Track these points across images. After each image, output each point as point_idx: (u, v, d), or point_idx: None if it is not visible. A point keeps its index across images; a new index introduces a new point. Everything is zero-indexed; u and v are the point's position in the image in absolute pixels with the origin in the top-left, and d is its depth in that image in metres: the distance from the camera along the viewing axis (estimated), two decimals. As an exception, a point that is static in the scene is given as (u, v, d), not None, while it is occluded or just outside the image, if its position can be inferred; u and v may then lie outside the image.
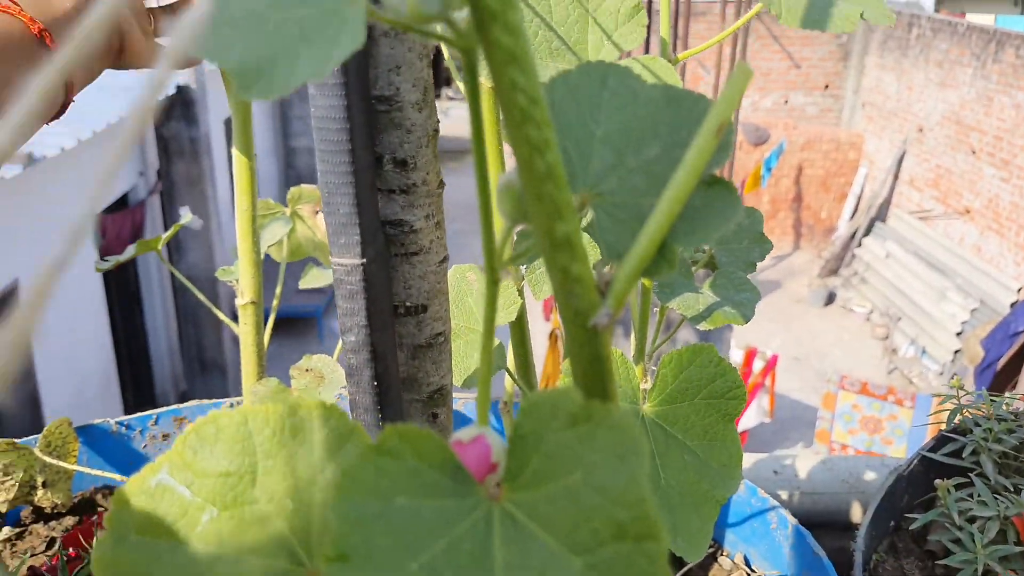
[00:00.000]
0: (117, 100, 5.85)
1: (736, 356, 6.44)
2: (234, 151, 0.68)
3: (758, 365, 6.35)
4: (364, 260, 0.42)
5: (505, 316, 0.56)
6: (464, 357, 0.57)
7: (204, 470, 0.30)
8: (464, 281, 0.58)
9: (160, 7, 0.72)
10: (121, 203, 6.55)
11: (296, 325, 8.55)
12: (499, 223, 0.30)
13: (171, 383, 7.46)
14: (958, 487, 0.80)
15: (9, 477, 0.80)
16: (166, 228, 7.29)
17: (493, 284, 0.29)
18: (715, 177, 0.28)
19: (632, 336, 0.68)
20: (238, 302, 0.71)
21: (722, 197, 0.28)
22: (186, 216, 0.87)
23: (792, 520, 0.82)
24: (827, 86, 10.89)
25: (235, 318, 0.74)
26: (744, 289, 0.68)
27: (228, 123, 8.36)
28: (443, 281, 0.47)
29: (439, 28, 0.25)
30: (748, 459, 1.05)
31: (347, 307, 0.43)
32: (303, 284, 0.89)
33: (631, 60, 0.46)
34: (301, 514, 0.29)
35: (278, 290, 0.84)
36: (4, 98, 0.57)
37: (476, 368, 0.58)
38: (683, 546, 0.56)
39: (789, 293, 9.55)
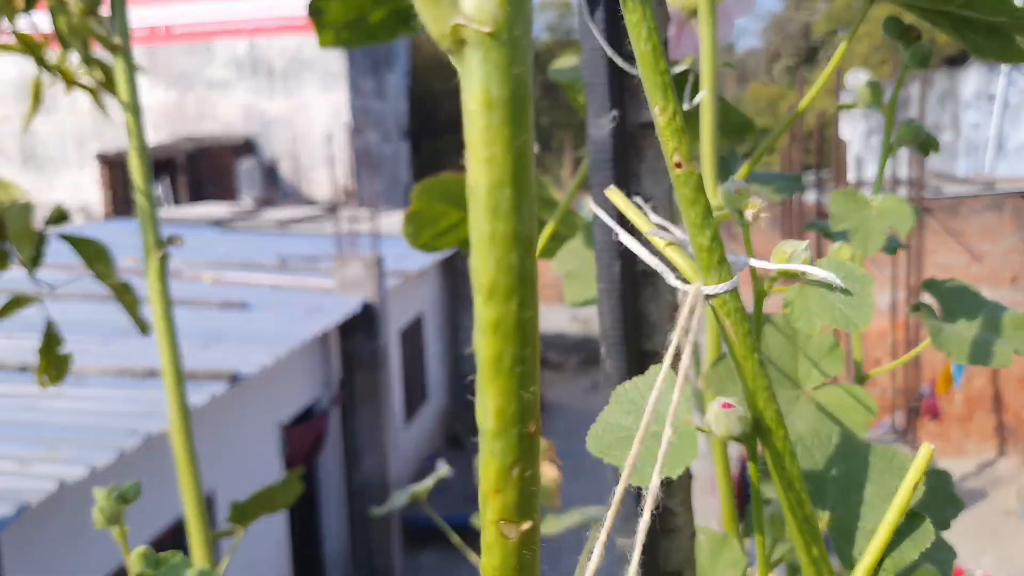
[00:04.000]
0: (311, 320, 6.43)
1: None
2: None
3: (967, 587, 5.84)
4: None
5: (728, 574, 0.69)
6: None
7: None
8: (696, 542, 0.72)
9: None
10: (307, 414, 7.02)
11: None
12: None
13: (342, 589, 7.63)
14: None
15: None
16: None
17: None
18: (913, 512, 0.42)
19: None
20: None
21: (918, 526, 0.42)
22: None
23: None
24: (1015, 279, 10.48)
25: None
26: (942, 548, 0.78)
27: (404, 334, 8.93)
28: (692, 552, 0.61)
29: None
30: None
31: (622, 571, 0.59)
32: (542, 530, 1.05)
33: (838, 385, 0.61)
34: None
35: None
36: None
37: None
38: None
39: (996, 504, 8.82)
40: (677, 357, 0.39)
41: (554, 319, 13.46)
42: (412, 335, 9.39)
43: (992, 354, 0.57)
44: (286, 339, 5.92)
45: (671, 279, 0.42)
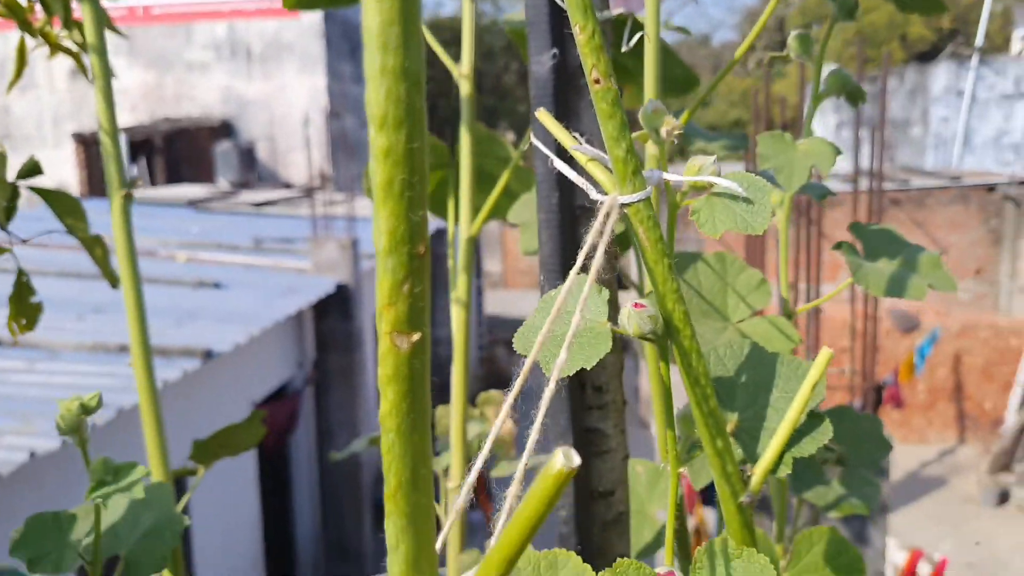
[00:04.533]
0: (285, 300, 6.43)
1: (899, 558, 6.06)
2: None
3: (924, 569, 5.91)
4: (575, 458, 0.62)
5: (663, 502, 0.73)
6: (635, 533, 0.74)
7: None
8: (634, 473, 0.76)
9: None
10: (280, 392, 7.02)
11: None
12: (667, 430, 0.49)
13: (311, 570, 7.65)
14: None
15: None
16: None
17: (674, 476, 0.48)
18: (813, 412, 0.46)
19: (774, 522, 0.84)
20: (450, 485, 0.90)
21: (816, 425, 0.46)
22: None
23: None
24: (979, 271, 10.60)
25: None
26: (868, 484, 0.83)
27: (378, 318, 8.91)
28: (624, 473, 0.65)
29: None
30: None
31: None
32: (495, 473, 1.09)
33: (763, 318, 0.65)
34: None
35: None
36: None
37: (645, 542, 0.75)
38: None
39: (957, 491, 8.97)
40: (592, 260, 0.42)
41: (529, 308, 13.50)
42: (388, 318, 9.36)
43: (907, 287, 0.61)
44: (260, 318, 5.91)
45: (592, 192, 0.45)
